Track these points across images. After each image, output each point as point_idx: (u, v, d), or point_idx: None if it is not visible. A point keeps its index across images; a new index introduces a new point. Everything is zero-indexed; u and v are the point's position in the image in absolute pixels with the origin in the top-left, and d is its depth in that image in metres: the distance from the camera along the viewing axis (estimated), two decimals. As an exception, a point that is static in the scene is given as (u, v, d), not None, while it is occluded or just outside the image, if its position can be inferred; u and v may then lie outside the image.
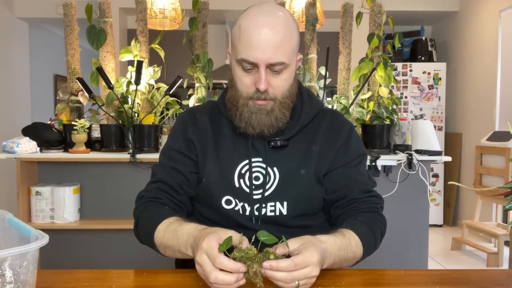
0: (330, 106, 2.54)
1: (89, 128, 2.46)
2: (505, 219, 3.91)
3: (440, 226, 4.78)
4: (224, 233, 0.80)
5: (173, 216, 0.98)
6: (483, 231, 3.68)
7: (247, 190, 1.06)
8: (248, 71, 1.00)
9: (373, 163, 2.35)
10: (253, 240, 0.81)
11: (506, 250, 3.44)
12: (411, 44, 5.00)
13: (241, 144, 1.08)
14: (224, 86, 3.33)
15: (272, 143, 1.06)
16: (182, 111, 1.58)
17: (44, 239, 0.73)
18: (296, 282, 0.78)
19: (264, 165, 1.06)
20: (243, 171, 1.07)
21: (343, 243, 0.92)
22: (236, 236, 0.79)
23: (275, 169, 1.06)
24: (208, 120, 1.12)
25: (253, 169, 1.06)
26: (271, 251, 0.78)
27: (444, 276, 0.96)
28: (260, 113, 1.02)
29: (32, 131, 2.40)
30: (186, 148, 1.10)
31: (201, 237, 0.81)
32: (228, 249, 0.77)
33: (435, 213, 4.73)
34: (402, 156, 2.37)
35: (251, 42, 0.96)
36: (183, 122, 1.14)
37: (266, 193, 1.05)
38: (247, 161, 1.07)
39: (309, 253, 0.79)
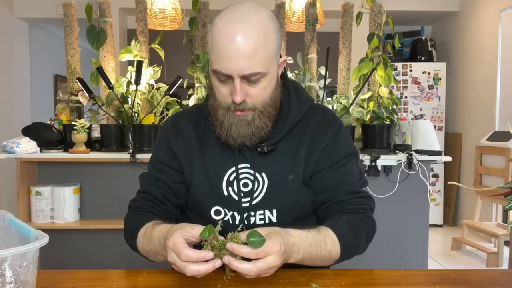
0: (330, 106, 2.54)
1: (89, 128, 2.46)
2: (505, 219, 3.91)
3: (440, 226, 4.78)
4: (191, 228, 0.81)
5: (151, 221, 0.98)
6: (483, 231, 3.68)
7: (236, 198, 1.03)
8: (224, 81, 0.94)
9: (373, 163, 2.34)
10: (238, 229, 0.82)
11: (506, 250, 3.44)
12: (411, 44, 5.00)
13: (227, 150, 1.04)
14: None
15: (259, 149, 1.03)
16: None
17: (44, 239, 0.73)
18: (259, 274, 0.78)
19: (252, 171, 1.03)
20: (231, 179, 1.04)
21: (316, 240, 0.90)
22: (208, 227, 0.80)
23: (263, 174, 1.03)
24: (193, 127, 1.09)
25: (241, 176, 1.04)
26: (238, 236, 0.79)
27: (444, 276, 0.96)
28: (240, 124, 0.97)
29: (32, 131, 2.40)
30: (169, 159, 1.08)
31: (167, 237, 0.82)
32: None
33: (435, 213, 4.73)
34: (402, 156, 2.37)
35: (222, 52, 0.90)
36: (166, 131, 1.11)
37: (255, 201, 1.03)
38: (234, 168, 1.04)
39: (271, 243, 0.79)
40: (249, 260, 0.78)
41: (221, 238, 0.80)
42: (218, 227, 0.81)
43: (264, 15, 0.94)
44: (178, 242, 0.78)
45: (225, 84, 0.95)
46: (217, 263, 0.77)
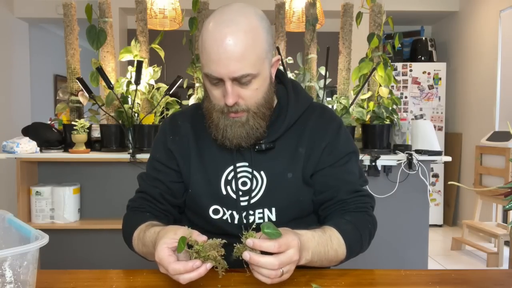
0: (330, 106, 2.54)
1: (89, 128, 2.46)
2: (505, 219, 3.91)
3: (440, 226, 4.78)
4: (174, 233, 0.82)
5: (147, 221, 0.99)
6: (483, 231, 3.68)
7: (234, 196, 1.03)
8: (216, 84, 0.95)
9: (373, 163, 2.34)
10: (253, 227, 0.82)
11: (506, 250, 3.44)
12: (411, 44, 5.00)
13: (225, 149, 1.03)
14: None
15: (257, 147, 1.02)
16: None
17: (44, 239, 0.73)
18: (281, 270, 0.77)
19: (250, 170, 1.03)
20: (229, 177, 1.04)
21: (323, 239, 0.90)
22: (186, 232, 0.81)
23: (262, 173, 1.03)
24: (190, 126, 1.09)
25: (239, 174, 1.03)
26: (254, 234, 0.79)
27: (444, 276, 0.96)
28: (235, 126, 0.97)
29: (32, 131, 2.40)
30: (167, 159, 1.08)
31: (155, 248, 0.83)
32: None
33: (435, 213, 4.73)
34: (402, 156, 2.37)
35: (211, 56, 0.91)
36: (163, 131, 1.12)
37: (253, 200, 1.03)
38: (232, 167, 1.04)
39: (290, 237, 0.79)
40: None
41: (202, 239, 0.80)
42: (188, 232, 0.81)
43: (253, 16, 0.93)
44: (163, 257, 0.79)
45: (217, 86, 0.95)
46: (208, 265, 0.78)
